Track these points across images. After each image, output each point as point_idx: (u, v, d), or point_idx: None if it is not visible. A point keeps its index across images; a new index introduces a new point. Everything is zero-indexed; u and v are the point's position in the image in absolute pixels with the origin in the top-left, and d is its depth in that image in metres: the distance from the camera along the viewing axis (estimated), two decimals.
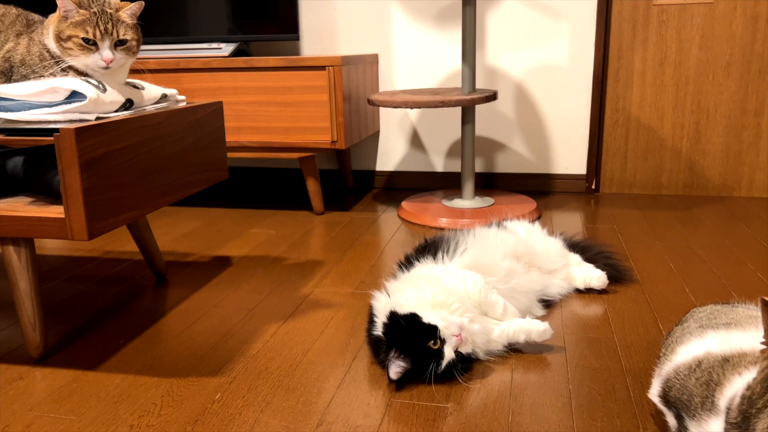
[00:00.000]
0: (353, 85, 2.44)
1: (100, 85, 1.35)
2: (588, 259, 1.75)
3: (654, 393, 1.08)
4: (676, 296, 1.65)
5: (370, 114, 2.72)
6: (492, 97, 2.34)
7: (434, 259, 1.49)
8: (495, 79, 2.72)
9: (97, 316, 1.62)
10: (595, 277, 1.67)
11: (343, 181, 2.97)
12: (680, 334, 1.11)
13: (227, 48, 2.55)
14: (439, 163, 2.88)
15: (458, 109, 2.79)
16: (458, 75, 2.73)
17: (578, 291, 1.69)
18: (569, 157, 2.75)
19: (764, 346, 0.86)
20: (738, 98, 2.58)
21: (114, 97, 1.38)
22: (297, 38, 2.57)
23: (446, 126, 2.82)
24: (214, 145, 1.67)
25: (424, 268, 1.45)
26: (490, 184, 2.84)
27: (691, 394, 0.97)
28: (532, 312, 1.53)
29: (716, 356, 0.98)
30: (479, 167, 2.84)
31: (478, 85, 2.74)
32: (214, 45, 2.56)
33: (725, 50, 2.54)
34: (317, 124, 2.34)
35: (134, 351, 1.42)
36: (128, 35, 1.37)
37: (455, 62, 2.74)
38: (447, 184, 2.86)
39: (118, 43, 1.37)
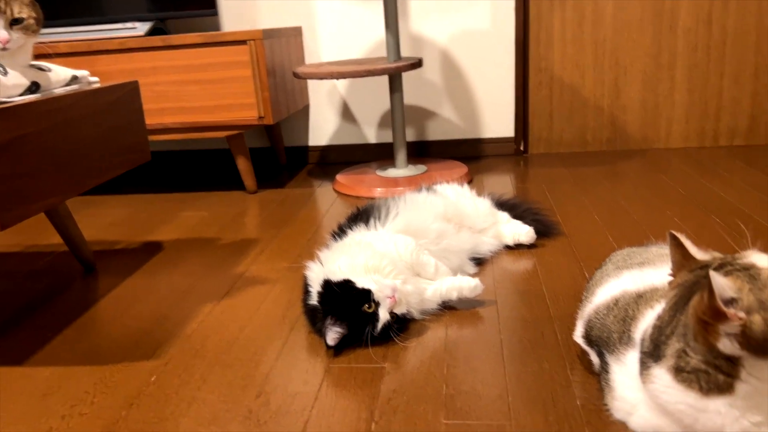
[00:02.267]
0: (277, 59, 2.40)
1: (1, 68, 1.28)
2: (516, 216, 1.80)
3: (578, 334, 1.13)
4: (601, 245, 1.72)
5: (297, 88, 2.69)
6: (417, 64, 2.35)
7: (366, 226, 1.50)
8: (420, 46, 2.73)
9: (23, 312, 1.56)
10: (523, 232, 1.72)
11: (276, 159, 2.94)
12: (599, 277, 1.17)
13: (143, 27, 2.46)
14: (371, 135, 2.88)
15: (386, 79, 2.79)
16: (384, 45, 2.73)
17: (508, 247, 1.74)
18: (497, 120, 2.80)
19: (672, 278, 0.92)
20: (652, 53, 2.68)
21: (17, 80, 1.31)
22: (215, 13, 2.50)
23: (376, 97, 2.82)
24: (133, 126, 1.62)
25: (357, 235, 1.46)
26: (423, 152, 2.87)
27: (609, 331, 1.02)
28: (464, 270, 1.57)
29: (631, 293, 1.04)
30: (411, 136, 2.85)
31: (404, 53, 2.74)
32: (129, 24, 2.46)
33: (637, 7, 2.63)
34: (242, 100, 2.30)
35: (63, 343, 1.38)
36: (24, 13, 1.30)
37: (380, 32, 2.73)
38: (381, 154, 2.87)
39: (14, 22, 1.30)
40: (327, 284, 1.27)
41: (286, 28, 2.56)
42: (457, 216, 1.65)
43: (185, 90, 2.32)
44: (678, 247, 0.90)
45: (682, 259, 0.90)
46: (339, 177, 2.52)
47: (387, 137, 2.86)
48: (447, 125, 2.83)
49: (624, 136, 2.79)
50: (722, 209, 1.92)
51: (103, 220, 2.27)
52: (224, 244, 1.93)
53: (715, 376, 0.80)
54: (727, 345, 0.78)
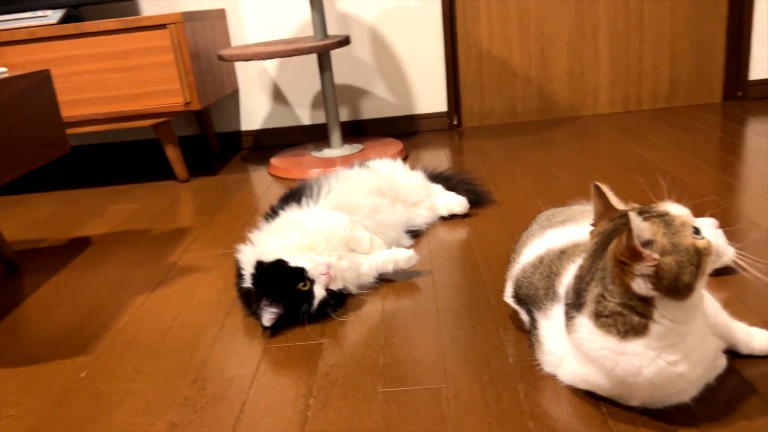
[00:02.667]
0: (201, 43, 2.34)
1: None
2: (450, 187, 1.82)
3: (508, 295, 1.16)
4: (531, 211, 1.75)
5: (225, 72, 2.62)
6: (345, 41, 2.33)
7: (299, 205, 1.49)
8: (348, 24, 2.71)
9: None
10: (456, 203, 1.74)
11: (208, 146, 2.87)
12: (525, 238, 1.19)
13: (54, 15, 2.34)
14: (305, 116, 2.85)
15: (316, 59, 2.75)
16: (311, 24, 2.69)
17: (443, 218, 1.76)
18: (430, 96, 2.82)
19: (593, 227, 0.94)
20: (575, 23, 2.74)
21: None
22: None
23: (307, 77, 2.78)
24: (47, 118, 1.54)
25: (289, 215, 1.45)
26: (359, 131, 2.86)
27: (536, 288, 1.04)
28: (400, 243, 1.58)
29: (555, 250, 1.06)
30: (345, 116, 2.84)
31: (332, 31, 2.72)
32: (39, 13, 2.34)
33: None
34: (166, 86, 2.22)
35: None
36: None
37: (306, 11, 2.69)
38: (316, 135, 2.85)
39: None
40: (259, 265, 1.26)
41: (208, 11, 2.49)
42: (391, 190, 1.65)
43: (105, 79, 2.22)
44: (600, 197, 0.92)
45: (603, 209, 0.92)
46: (273, 160, 2.49)
47: (321, 118, 2.84)
48: (381, 103, 2.83)
49: (553, 105, 2.86)
50: (645, 168, 1.99)
51: (26, 219, 2.17)
52: (156, 235, 1.88)
53: (630, 317, 0.83)
54: (641, 285, 0.82)
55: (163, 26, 2.17)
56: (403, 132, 2.85)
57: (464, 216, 1.76)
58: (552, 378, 1.00)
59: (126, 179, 2.58)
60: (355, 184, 1.58)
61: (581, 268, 0.91)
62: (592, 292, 0.87)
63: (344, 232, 1.39)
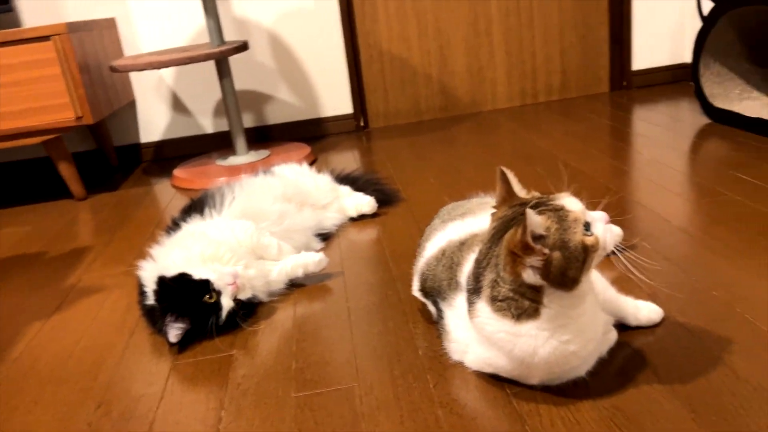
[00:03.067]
0: (90, 54, 2.23)
1: None
2: (358, 188, 1.84)
3: (415, 289, 1.18)
4: (437, 206, 1.77)
5: (119, 83, 2.52)
6: (243, 47, 2.29)
7: (202, 216, 1.46)
8: (246, 29, 2.67)
9: None
10: (364, 203, 1.76)
11: (107, 160, 2.74)
12: (428, 232, 1.22)
13: None
14: (208, 125, 2.79)
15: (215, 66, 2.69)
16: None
17: (353, 219, 1.77)
18: (335, 98, 2.83)
19: (494, 210, 0.98)
20: (470, 20, 2.83)
21: None
22: (9, 9, 2.27)
23: (207, 85, 2.72)
24: None
25: (191, 226, 1.41)
26: (265, 137, 2.82)
27: (440, 280, 1.07)
28: (311, 247, 1.57)
29: (455, 242, 1.10)
30: (250, 122, 2.80)
31: (230, 37, 2.67)
32: None
33: None
34: (55, 101, 2.11)
35: None
36: None
37: (201, 18, 2.62)
38: (220, 144, 2.79)
39: None
40: (162, 281, 1.22)
41: (96, 20, 2.38)
42: (298, 194, 1.65)
43: None
44: (504, 182, 0.95)
45: (505, 194, 0.96)
46: (176, 171, 2.42)
47: (225, 125, 2.78)
48: (286, 108, 2.80)
49: (455, 101, 2.94)
50: (544, 158, 2.09)
51: None
52: (53, 257, 1.78)
53: (522, 302, 0.87)
54: (530, 275, 0.86)
55: (46, 38, 2.05)
56: (311, 136, 2.85)
57: (374, 215, 1.78)
58: (460, 365, 1.04)
59: (17, 201, 2.42)
60: (260, 190, 1.56)
61: (480, 252, 0.95)
62: (488, 277, 0.91)
63: (250, 240, 1.38)
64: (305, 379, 1.06)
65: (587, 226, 0.87)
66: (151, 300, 1.24)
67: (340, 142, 2.73)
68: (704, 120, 2.27)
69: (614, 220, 1.34)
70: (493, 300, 0.90)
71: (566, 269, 0.84)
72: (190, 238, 1.33)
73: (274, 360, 1.13)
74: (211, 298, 1.21)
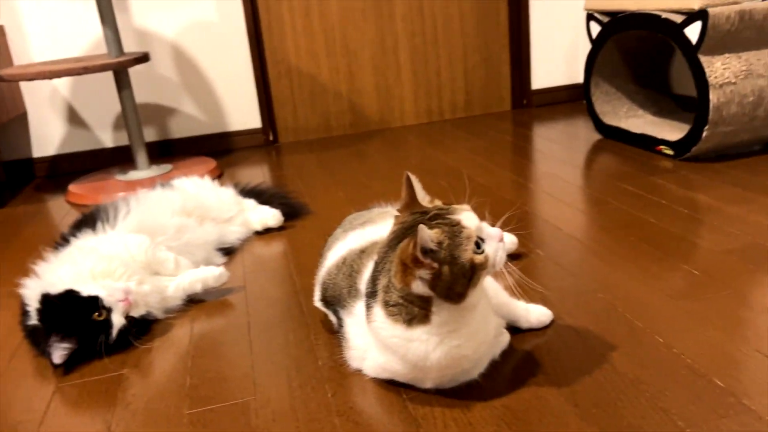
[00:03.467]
0: None
1: None
2: (264, 201, 1.81)
3: (317, 299, 1.18)
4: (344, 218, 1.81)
5: (8, 94, 2.37)
6: (143, 58, 2.22)
7: (94, 230, 1.39)
8: (148, 42, 2.59)
9: None
10: (269, 216, 1.74)
11: None
12: (330, 241, 1.23)
13: None
14: (107, 139, 2.67)
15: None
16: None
17: (258, 233, 1.74)
18: (243, 112, 2.79)
19: (398, 214, 0.99)
20: (377, 40, 2.88)
21: None
22: None
23: (106, 98, 2.61)
24: None
25: (81, 242, 1.34)
26: (169, 151, 2.74)
27: (340, 288, 1.08)
28: (212, 262, 1.53)
29: (356, 250, 1.11)
30: (153, 136, 2.70)
31: (131, 49, 2.58)
32: None
33: None
34: None
35: None
36: None
37: (99, 28, 2.52)
38: (121, 158, 2.67)
39: None
40: (46, 298, 1.15)
41: None
42: (199, 208, 1.61)
43: None
44: (409, 188, 0.97)
45: (409, 200, 0.97)
46: (72, 187, 2.29)
47: (125, 139, 2.67)
48: (191, 122, 2.74)
49: (364, 118, 2.97)
50: (448, 172, 2.15)
51: None
52: None
53: (411, 309, 0.89)
54: (419, 286, 0.87)
55: None
56: (218, 150, 2.79)
57: (280, 229, 1.76)
58: (358, 373, 1.04)
59: None
60: (157, 204, 1.51)
61: (379, 255, 0.96)
62: (382, 281, 0.92)
63: (145, 255, 1.33)
64: (199, 396, 1.03)
65: (479, 243, 0.89)
66: (34, 320, 1.16)
67: (249, 156, 2.69)
68: (596, 136, 2.42)
69: (511, 229, 1.40)
70: (386, 304, 0.91)
71: (453, 284, 0.86)
72: (79, 254, 1.27)
73: (167, 378, 1.09)
74: (100, 315, 1.16)
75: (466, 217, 0.90)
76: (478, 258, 0.87)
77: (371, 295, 0.95)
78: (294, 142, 2.89)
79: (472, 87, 3.06)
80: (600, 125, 2.40)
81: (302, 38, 2.80)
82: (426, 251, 0.86)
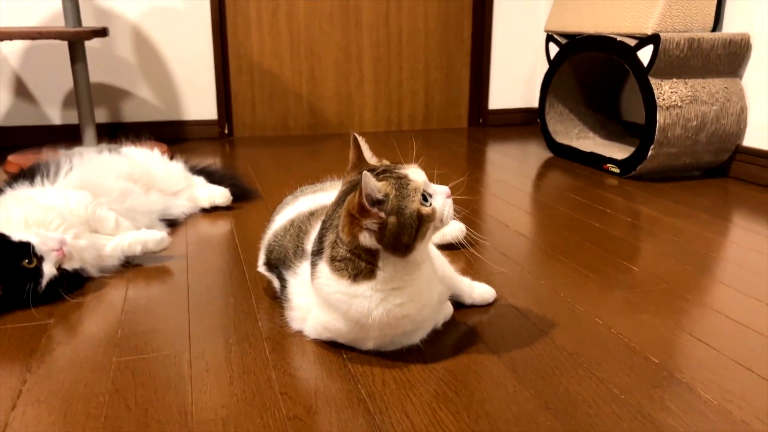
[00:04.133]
0: None
1: None
2: (214, 181, 1.78)
3: (260, 264, 1.15)
4: None
5: None
6: (101, 32, 2.17)
7: (32, 184, 1.33)
8: (109, 20, 2.54)
9: None
10: (218, 194, 1.70)
11: None
12: (279, 207, 1.21)
13: None
14: (55, 116, 2.58)
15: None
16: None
17: (205, 211, 1.70)
18: (199, 103, 2.75)
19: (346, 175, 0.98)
20: (342, 45, 2.91)
21: None
22: None
23: (58, 73, 2.53)
24: None
25: (17, 192, 1.28)
26: (119, 134, 2.66)
27: (286, 249, 1.06)
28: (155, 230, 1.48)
29: (305, 213, 1.09)
30: (104, 117, 2.63)
31: (91, 25, 2.51)
32: None
33: (327, 2, 2.83)
34: None
35: None
36: None
37: (57, 1, 2.46)
38: (68, 137, 2.58)
39: None
40: None
41: None
42: (146, 177, 1.56)
43: None
44: (356, 148, 0.97)
45: (356, 160, 0.97)
46: (12, 157, 2.20)
47: (74, 118, 2.59)
48: (145, 106, 2.68)
49: (323, 122, 2.97)
50: None
51: None
52: None
53: (358, 263, 0.88)
54: (366, 238, 0.87)
55: None
56: (171, 138, 2.73)
57: (228, 209, 1.72)
58: (299, 335, 1.01)
59: None
60: (102, 166, 1.47)
61: (326, 214, 0.95)
62: (329, 238, 0.91)
63: (84, 211, 1.27)
64: (130, 346, 0.98)
65: (426, 197, 0.89)
66: None
67: (202, 146, 2.64)
68: (548, 154, 2.48)
69: (460, 218, 1.41)
70: (332, 260, 0.90)
71: (400, 234, 0.86)
72: (13, 201, 1.21)
73: (97, 328, 1.04)
74: (30, 263, 1.10)
75: (413, 172, 0.91)
76: (425, 209, 0.87)
77: (317, 252, 0.93)
78: (250, 137, 2.86)
79: (432, 101, 3.10)
80: (552, 143, 2.47)
81: (267, 36, 2.79)
82: (373, 202, 0.85)
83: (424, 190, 0.88)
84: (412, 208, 0.86)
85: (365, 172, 0.85)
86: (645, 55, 1.94)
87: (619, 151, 2.23)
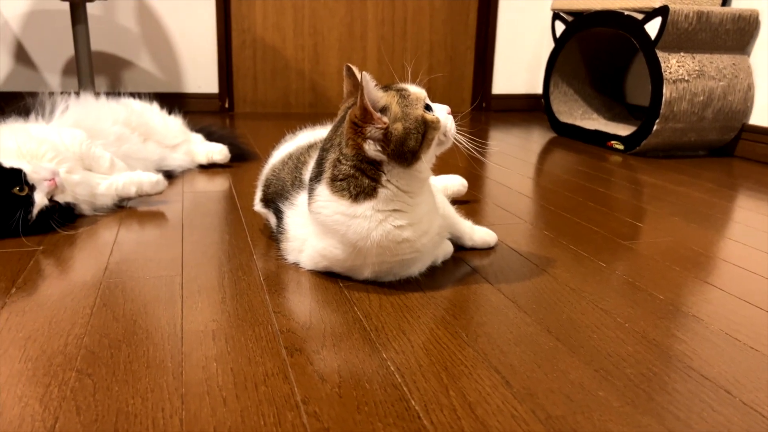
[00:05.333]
0: None
1: None
2: (212, 141, 1.75)
3: (257, 201, 1.13)
4: None
5: None
6: None
7: (26, 120, 1.30)
8: None
9: None
10: (216, 150, 1.68)
11: None
12: (279, 144, 1.18)
13: None
14: (54, 83, 2.55)
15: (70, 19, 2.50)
16: None
17: (203, 167, 1.68)
18: (200, 75, 2.72)
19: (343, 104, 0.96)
20: (346, 22, 2.88)
21: None
22: None
23: (59, 38, 2.51)
24: None
25: (10, 125, 1.25)
26: None
27: (284, 182, 1.03)
28: None
29: (303, 146, 1.07)
30: (104, 86, 2.60)
31: None
32: None
33: None
34: None
35: None
36: None
37: None
38: None
39: None
40: None
41: None
42: (143, 126, 1.54)
43: None
44: (351, 77, 0.95)
45: (352, 88, 0.95)
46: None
47: (74, 86, 2.56)
48: (145, 77, 2.65)
49: (324, 101, 2.95)
50: None
51: None
52: None
53: (361, 180, 0.85)
54: (371, 148, 0.84)
55: None
56: (170, 110, 2.69)
57: (225, 167, 1.70)
58: (294, 266, 0.99)
59: None
60: (98, 109, 1.44)
61: (325, 139, 0.92)
62: (330, 158, 0.89)
63: (79, 147, 1.25)
64: (120, 269, 0.95)
65: (429, 108, 0.88)
66: None
67: (202, 120, 2.60)
68: (552, 134, 2.46)
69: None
70: (333, 180, 0.87)
71: (406, 140, 0.84)
72: (7, 132, 1.18)
73: (87, 255, 1.01)
74: (21, 190, 1.07)
75: (413, 87, 0.90)
76: (430, 116, 0.86)
77: (316, 176, 0.91)
78: (251, 112, 2.84)
79: (435, 83, 3.08)
80: (555, 123, 2.45)
81: (271, 11, 2.77)
82: (379, 110, 0.84)
83: (425, 102, 0.87)
84: (417, 113, 0.85)
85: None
86: (653, 27, 1.92)
87: (624, 131, 2.21)
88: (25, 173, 1.08)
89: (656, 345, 0.78)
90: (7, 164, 1.08)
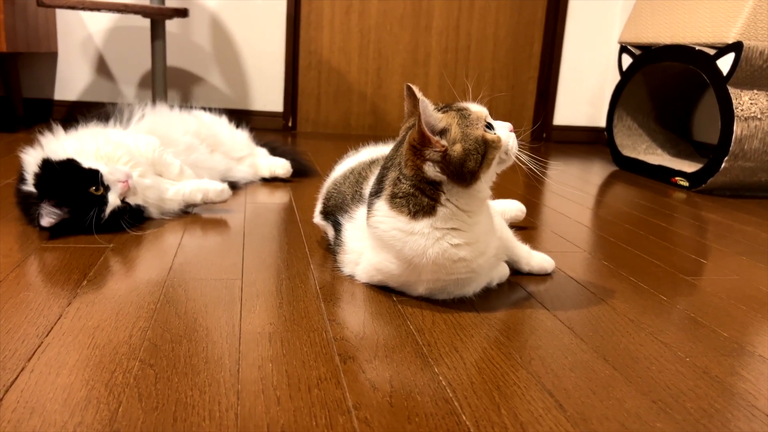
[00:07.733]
0: None
1: None
2: (276, 155, 1.81)
3: (317, 213, 1.15)
4: None
5: (44, 29, 2.41)
6: (182, 12, 2.26)
7: (105, 125, 1.38)
8: (189, 5, 2.65)
9: None
10: (279, 165, 1.72)
11: (12, 110, 2.57)
12: (341, 160, 1.21)
13: None
14: (130, 94, 2.69)
15: (149, 35, 2.63)
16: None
17: (265, 181, 1.72)
18: (267, 94, 2.81)
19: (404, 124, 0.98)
20: (410, 49, 2.93)
21: None
22: None
23: (137, 53, 2.65)
24: None
25: (91, 129, 1.33)
26: None
27: (344, 195, 1.05)
28: None
29: (365, 162, 1.09)
30: (176, 100, 2.72)
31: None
32: None
33: (400, 4, 2.87)
34: None
35: None
36: None
37: None
38: None
39: None
40: (47, 163, 1.13)
41: None
42: (212, 138, 1.60)
43: None
44: (411, 97, 0.96)
45: (412, 107, 0.96)
46: None
47: (147, 98, 2.69)
48: (214, 93, 2.76)
49: (384, 123, 2.99)
50: None
51: None
52: None
53: (421, 198, 0.86)
54: (430, 169, 0.85)
55: None
56: (237, 125, 2.79)
57: (286, 181, 1.74)
58: (350, 279, 1.00)
59: None
60: (171, 119, 1.51)
61: (386, 158, 0.94)
62: (391, 176, 0.90)
63: (152, 153, 1.31)
64: (183, 270, 0.99)
65: (490, 126, 0.88)
66: (30, 186, 1.13)
67: (265, 137, 2.68)
68: (613, 168, 2.42)
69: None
70: (393, 197, 0.89)
71: (465, 161, 0.84)
72: (88, 135, 1.25)
73: (152, 256, 1.06)
74: (97, 190, 1.13)
75: (474, 106, 0.91)
76: (491, 135, 0.86)
77: (376, 192, 0.92)
78: (312, 132, 2.91)
79: (495, 112, 3.08)
80: (618, 156, 2.41)
81: (338, 34, 2.85)
82: (434, 130, 0.84)
83: (486, 121, 0.87)
84: (477, 134, 0.85)
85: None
86: (725, 64, 1.88)
87: (689, 167, 2.15)
88: (101, 174, 1.14)
89: (719, 381, 0.75)
90: (86, 165, 1.14)
